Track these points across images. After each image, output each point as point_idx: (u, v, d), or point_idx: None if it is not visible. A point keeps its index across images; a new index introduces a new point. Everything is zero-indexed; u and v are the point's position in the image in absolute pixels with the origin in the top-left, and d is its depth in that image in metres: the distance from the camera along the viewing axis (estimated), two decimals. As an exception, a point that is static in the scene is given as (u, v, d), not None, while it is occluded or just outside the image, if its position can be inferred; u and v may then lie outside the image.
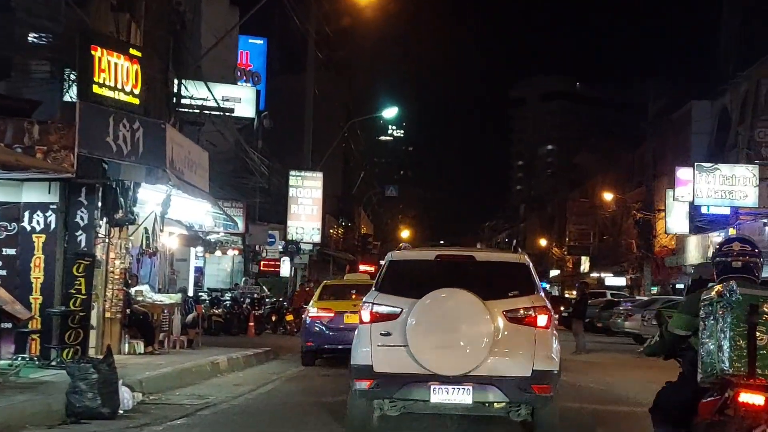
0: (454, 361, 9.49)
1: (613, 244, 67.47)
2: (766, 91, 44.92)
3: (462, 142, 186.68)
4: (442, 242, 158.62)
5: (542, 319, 9.82)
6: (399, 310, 9.81)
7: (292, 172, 41.35)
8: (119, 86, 15.15)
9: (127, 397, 12.27)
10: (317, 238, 42.35)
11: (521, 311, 9.85)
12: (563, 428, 10.43)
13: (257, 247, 39.51)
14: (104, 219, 16.72)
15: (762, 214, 39.07)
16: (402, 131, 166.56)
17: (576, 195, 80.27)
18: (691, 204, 44.74)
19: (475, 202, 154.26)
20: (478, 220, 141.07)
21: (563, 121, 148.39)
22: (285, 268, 42.62)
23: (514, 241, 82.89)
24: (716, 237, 43.08)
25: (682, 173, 41.46)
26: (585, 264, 75.38)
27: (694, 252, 45.79)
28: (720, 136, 51.11)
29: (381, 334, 9.80)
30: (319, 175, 42.18)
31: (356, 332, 10.26)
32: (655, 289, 55.67)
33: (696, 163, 38.10)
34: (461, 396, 9.54)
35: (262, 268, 41.93)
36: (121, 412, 11.79)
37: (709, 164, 37.72)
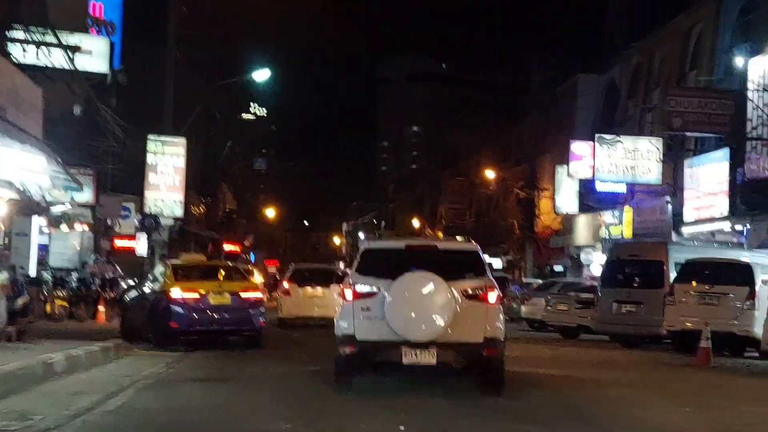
0: (422, 329, 11.61)
1: (489, 225, 64.94)
2: (660, 63, 42.67)
3: (328, 121, 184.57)
4: (306, 222, 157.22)
5: (492, 296, 12.04)
6: (376, 289, 11.89)
7: (151, 136, 36.60)
8: None
9: None
10: (179, 212, 37.69)
11: (475, 290, 11.99)
12: (508, 386, 12.34)
13: (109, 221, 34.77)
14: None
15: (657, 193, 36.54)
16: (265, 110, 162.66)
17: (449, 174, 77.40)
18: (584, 181, 42.18)
19: (342, 181, 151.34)
20: (345, 200, 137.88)
21: (430, 102, 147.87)
22: (142, 246, 37.97)
23: (383, 222, 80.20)
24: (609, 217, 40.55)
25: (577, 147, 38.57)
26: (460, 245, 72.41)
27: (584, 232, 43.21)
28: (607, 111, 48.85)
29: (362, 309, 11.87)
30: (182, 140, 37.52)
31: (340, 308, 12.29)
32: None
33: (597, 135, 35.02)
34: (427, 358, 11.69)
35: (115, 245, 37.28)
36: None
37: (610, 136, 34.75)
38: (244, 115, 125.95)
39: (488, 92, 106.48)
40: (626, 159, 33.93)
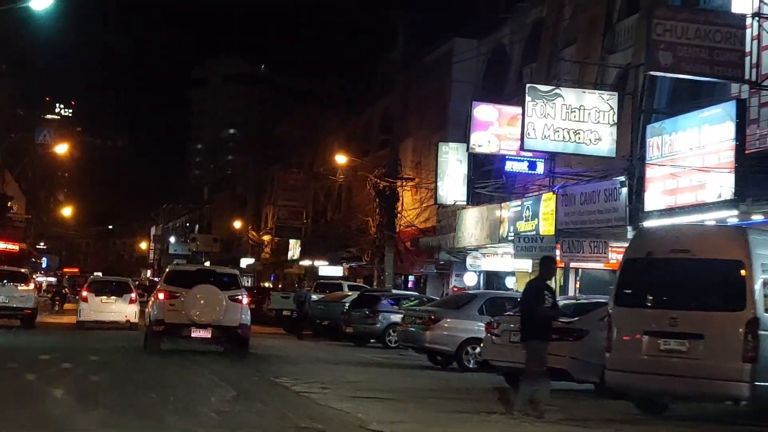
0: (205, 317, 20.50)
1: (332, 225, 54.33)
2: (572, 14, 33.04)
3: (140, 122, 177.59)
4: (110, 227, 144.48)
5: (244, 300, 21.32)
6: (179, 293, 20.93)
7: None
8: None
9: None
10: None
11: (235, 296, 21.13)
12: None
13: None
14: None
15: (576, 174, 26.60)
16: (70, 110, 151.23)
17: (281, 169, 66.02)
18: (477, 162, 32.16)
19: (151, 183, 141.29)
20: (154, 203, 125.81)
21: (250, 105, 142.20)
22: None
23: (197, 226, 67.01)
24: (513, 209, 30.37)
25: (482, 112, 28.13)
26: (295, 249, 60.82)
27: (474, 230, 32.79)
28: (490, 82, 39.10)
29: (170, 304, 20.92)
30: None
31: (155, 303, 21.39)
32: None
33: (528, 85, 24.42)
34: (206, 333, 20.68)
35: None
36: None
37: (546, 87, 24.22)
38: (48, 116, 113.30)
39: (320, 86, 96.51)
40: (569, 120, 23.56)
